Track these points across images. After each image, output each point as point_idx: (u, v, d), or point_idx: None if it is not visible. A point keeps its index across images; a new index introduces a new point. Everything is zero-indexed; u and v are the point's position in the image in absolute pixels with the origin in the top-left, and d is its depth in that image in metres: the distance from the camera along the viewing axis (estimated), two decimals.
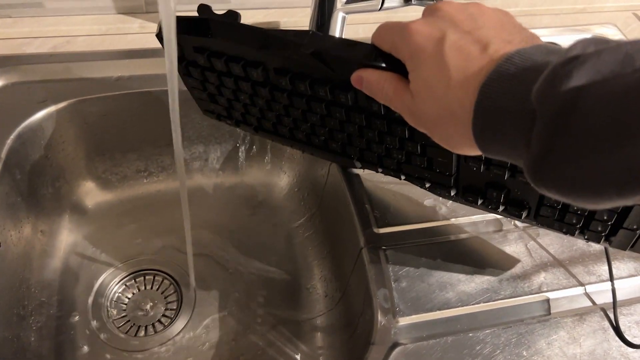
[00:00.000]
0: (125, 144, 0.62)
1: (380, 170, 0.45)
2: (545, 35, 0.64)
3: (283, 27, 0.65)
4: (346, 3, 0.52)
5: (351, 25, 0.55)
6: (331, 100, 0.38)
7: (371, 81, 0.32)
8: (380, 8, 0.53)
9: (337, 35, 0.55)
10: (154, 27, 0.62)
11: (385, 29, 0.32)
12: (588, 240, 0.40)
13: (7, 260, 0.51)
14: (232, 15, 0.39)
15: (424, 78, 0.28)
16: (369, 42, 0.33)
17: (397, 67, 0.31)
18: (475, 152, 0.27)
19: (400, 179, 0.44)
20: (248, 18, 0.64)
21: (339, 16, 0.52)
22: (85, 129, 0.59)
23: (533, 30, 0.28)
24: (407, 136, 0.38)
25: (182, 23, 0.37)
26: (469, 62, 0.26)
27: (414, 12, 0.59)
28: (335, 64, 0.34)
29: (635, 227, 0.37)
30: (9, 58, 0.57)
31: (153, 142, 0.63)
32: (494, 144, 0.26)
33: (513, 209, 0.40)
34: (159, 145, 0.63)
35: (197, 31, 0.39)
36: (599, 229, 0.38)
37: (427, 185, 0.42)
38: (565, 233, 0.40)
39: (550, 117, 0.22)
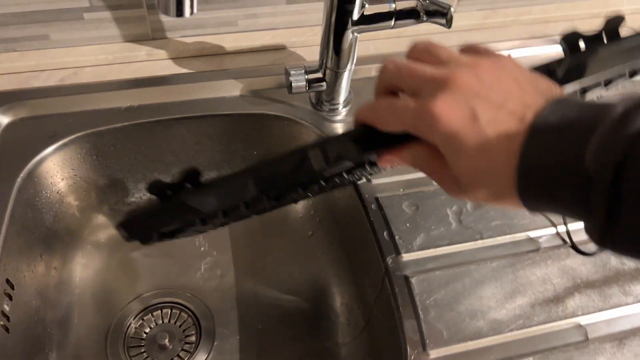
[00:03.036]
0: (136, 173, 0.61)
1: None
2: None
3: (291, 48, 0.63)
4: (356, 25, 0.51)
5: (362, 42, 0.54)
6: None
7: (406, 161, 0.31)
8: (393, 27, 0.51)
9: (348, 54, 0.53)
10: (161, 54, 0.61)
11: (397, 113, 0.29)
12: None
13: (22, 302, 0.50)
14: (193, 175, 0.33)
15: (467, 166, 0.27)
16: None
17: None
18: (521, 206, 0.27)
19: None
20: (255, 40, 0.63)
21: (350, 36, 0.51)
22: (95, 160, 0.58)
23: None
24: None
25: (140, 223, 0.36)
26: (509, 136, 0.25)
27: (425, 27, 0.57)
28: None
29: None
30: (17, 93, 0.56)
31: (165, 170, 0.62)
32: (541, 203, 0.26)
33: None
34: (170, 172, 0.62)
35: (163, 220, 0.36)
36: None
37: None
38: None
39: (610, 184, 0.22)
